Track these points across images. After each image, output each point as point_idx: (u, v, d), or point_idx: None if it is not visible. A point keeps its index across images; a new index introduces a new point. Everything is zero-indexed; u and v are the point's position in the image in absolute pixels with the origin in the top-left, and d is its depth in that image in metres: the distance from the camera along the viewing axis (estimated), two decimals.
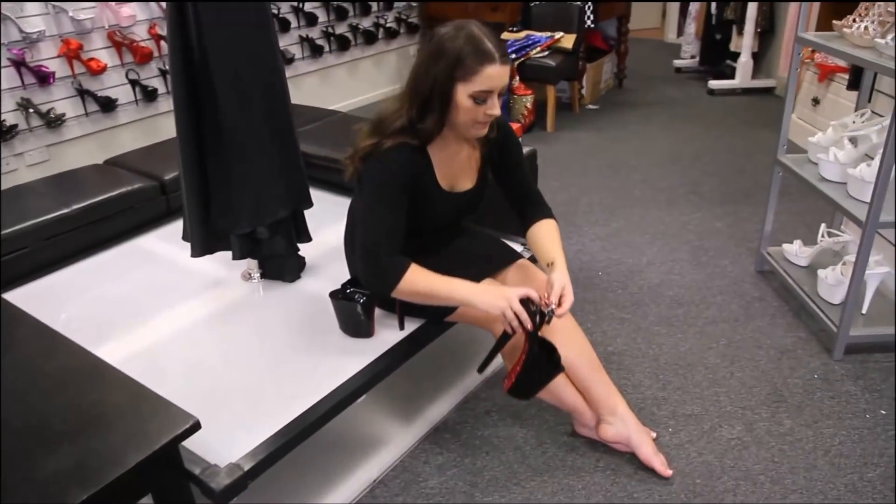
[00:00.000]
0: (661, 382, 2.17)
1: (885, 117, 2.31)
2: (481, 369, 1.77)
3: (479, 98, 1.59)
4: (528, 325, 1.63)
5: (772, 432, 1.96)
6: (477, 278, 1.80)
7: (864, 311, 2.28)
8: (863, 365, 2.22)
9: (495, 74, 1.57)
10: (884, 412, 2.03)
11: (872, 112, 2.41)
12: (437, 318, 1.87)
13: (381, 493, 1.82)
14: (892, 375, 2.17)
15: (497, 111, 1.63)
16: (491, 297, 1.63)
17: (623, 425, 1.85)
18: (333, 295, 1.87)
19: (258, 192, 1.95)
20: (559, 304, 1.67)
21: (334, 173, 2.72)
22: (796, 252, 2.60)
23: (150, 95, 3.89)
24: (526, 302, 1.63)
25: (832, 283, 2.34)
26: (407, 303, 1.85)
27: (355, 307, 1.83)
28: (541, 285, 1.83)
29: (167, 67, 3.90)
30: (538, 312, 1.65)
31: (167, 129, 3.92)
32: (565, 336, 1.79)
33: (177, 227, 2.56)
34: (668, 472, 1.81)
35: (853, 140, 2.33)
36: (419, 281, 1.65)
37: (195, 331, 1.95)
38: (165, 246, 2.44)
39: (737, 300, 2.60)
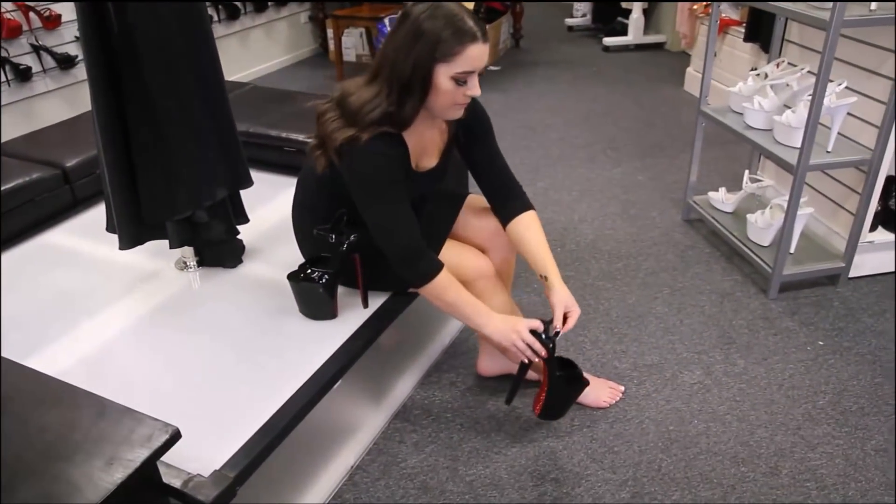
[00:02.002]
0: (617, 336, 2.21)
1: (802, 66, 2.43)
2: (508, 401, 1.79)
3: (461, 79, 1.50)
4: (544, 354, 1.63)
5: (728, 373, 2.05)
6: (442, 239, 1.77)
7: (791, 251, 2.40)
8: (795, 301, 2.36)
9: (477, 54, 1.48)
10: (821, 343, 2.16)
11: (788, 63, 2.53)
12: (403, 289, 1.80)
13: (361, 478, 1.75)
14: (822, 309, 2.32)
15: (477, 91, 1.54)
16: (503, 330, 1.62)
17: None
18: (293, 277, 1.75)
19: (194, 172, 1.79)
20: (564, 322, 1.67)
21: (257, 149, 2.57)
22: (722, 199, 2.70)
23: (23, 75, 3.48)
24: (535, 332, 1.63)
25: (762, 227, 2.45)
26: (372, 277, 1.77)
27: (317, 288, 1.73)
28: (477, 264, 1.80)
29: (40, 43, 3.55)
30: (548, 339, 1.64)
31: (47, 111, 3.57)
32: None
33: (86, 218, 2.35)
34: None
35: (773, 89, 2.43)
36: (449, 289, 1.63)
37: (137, 332, 1.78)
38: (78, 241, 2.20)
39: (671, 249, 2.68)
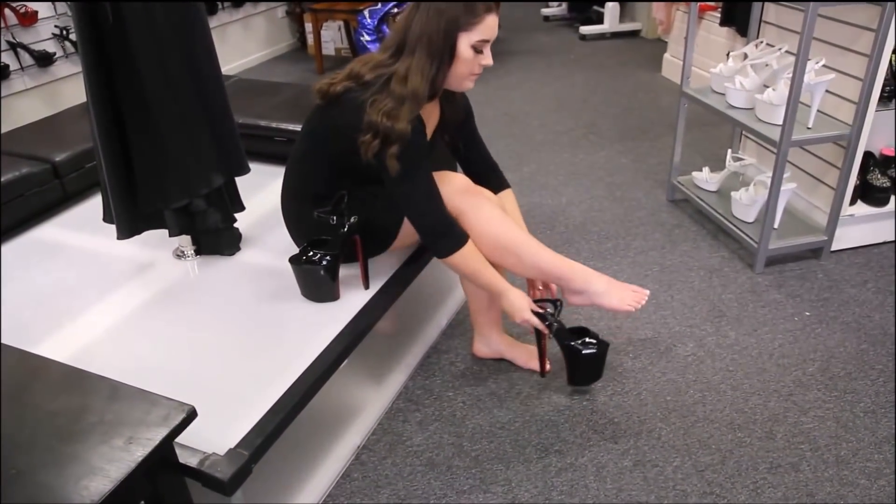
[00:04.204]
0: (611, 313, 2.25)
1: (781, 46, 2.49)
2: (542, 373, 1.95)
3: (478, 47, 1.63)
4: (544, 331, 1.79)
5: (720, 344, 2.10)
6: None
7: (775, 227, 2.47)
8: (781, 275, 2.42)
9: (492, 23, 1.63)
10: (808, 313, 2.23)
11: (766, 43, 2.59)
12: (382, 250, 1.87)
13: (368, 457, 1.77)
14: (807, 281, 2.39)
15: (490, 61, 1.67)
16: (513, 307, 1.76)
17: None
18: (294, 260, 1.77)
19: (192, 160, 1.79)
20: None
21: (246, 139, 2.56)
22: (706, 178, 2.76)
23: (1, 73, 3.44)
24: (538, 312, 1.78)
25: (746, 204, 2.52)
26: (371, 249, 1.82)
27: (319, 271, 1.75)
28: (458, 182, 1.82)
29: (17, 40, 3.50)
30: (548, 315, 1.78)
31: (25, 110, 3.53)
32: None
33: (78, 212, 2.34)
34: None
35: (753, 68, 2.49)
36: (474, 257, 1.73)
37: (141, 319, 1.78)
38: (71, 234, 2.20)
39: (658, 229, 2.73)
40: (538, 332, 1.85)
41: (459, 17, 1.58)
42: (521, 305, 1.76)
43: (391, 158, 1.60)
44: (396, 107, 1.60)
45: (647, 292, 1.85)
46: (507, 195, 1.97)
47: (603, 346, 1.84)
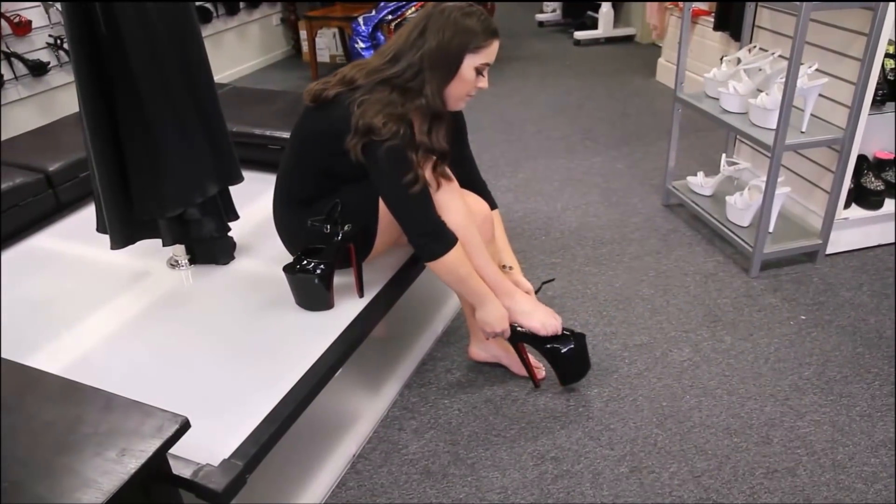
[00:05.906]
0: (606, 319, 2.26)
1: (774, 50, 2.49)
2: (535, 385, 1.98)
3: (480, 70, 1.70)
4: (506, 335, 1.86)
5: (716, 349, 2.10)
6: None
7: (770, 231, 2.47)
8: (776, 279, 2.42)
9: (496, 49, 1.70)
10: (803, 317, 2.23)
11: (760, 48, 2.60)
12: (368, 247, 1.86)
13: (364, 466, 1.77)
14: (802, 285, 2.39)
15: (486, 84, 1.73)
16: (494, 317, 1.80)
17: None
18: (288, 269, 1.76)
19: (187, 169, 1.79)
20: None
21: (240, 148, 2.56)
22: (701, 183, 2.77)
23: None
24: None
25: (741, 208, 2.52)
26: (358, 250, 1.81)
27: (313, 279, 1.74)
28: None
29: (11, 50, 3.50)
30: (519, 332, 1.87)
31: (20, 119, 3.52)
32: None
33: (72, 222, 2.33)
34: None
35: (746, 73, 2.50)
36: (461, 264, 1.73)
37: (134, 329, 1.77)
38: (65, 244, 2.19)
39: (654, 234, 2.74)
40: (517, 346, 1.91)
41: (470, 39, 1.65)
42: (502, 314, 1.81)
43: (416, 167, 1.63)
44: (412, 115, 1.65)
45: (560, 329, 1.88)
46: (494, 216, 1.97)
47: (580, 338, 1.89)
